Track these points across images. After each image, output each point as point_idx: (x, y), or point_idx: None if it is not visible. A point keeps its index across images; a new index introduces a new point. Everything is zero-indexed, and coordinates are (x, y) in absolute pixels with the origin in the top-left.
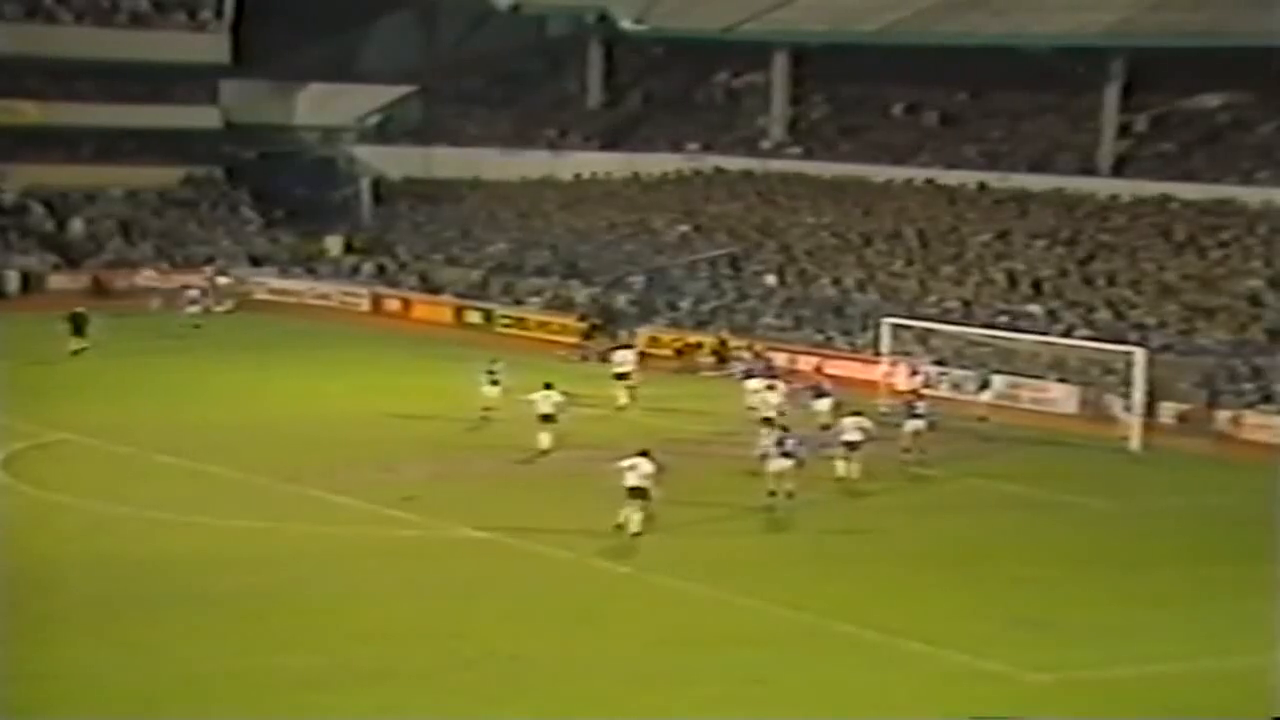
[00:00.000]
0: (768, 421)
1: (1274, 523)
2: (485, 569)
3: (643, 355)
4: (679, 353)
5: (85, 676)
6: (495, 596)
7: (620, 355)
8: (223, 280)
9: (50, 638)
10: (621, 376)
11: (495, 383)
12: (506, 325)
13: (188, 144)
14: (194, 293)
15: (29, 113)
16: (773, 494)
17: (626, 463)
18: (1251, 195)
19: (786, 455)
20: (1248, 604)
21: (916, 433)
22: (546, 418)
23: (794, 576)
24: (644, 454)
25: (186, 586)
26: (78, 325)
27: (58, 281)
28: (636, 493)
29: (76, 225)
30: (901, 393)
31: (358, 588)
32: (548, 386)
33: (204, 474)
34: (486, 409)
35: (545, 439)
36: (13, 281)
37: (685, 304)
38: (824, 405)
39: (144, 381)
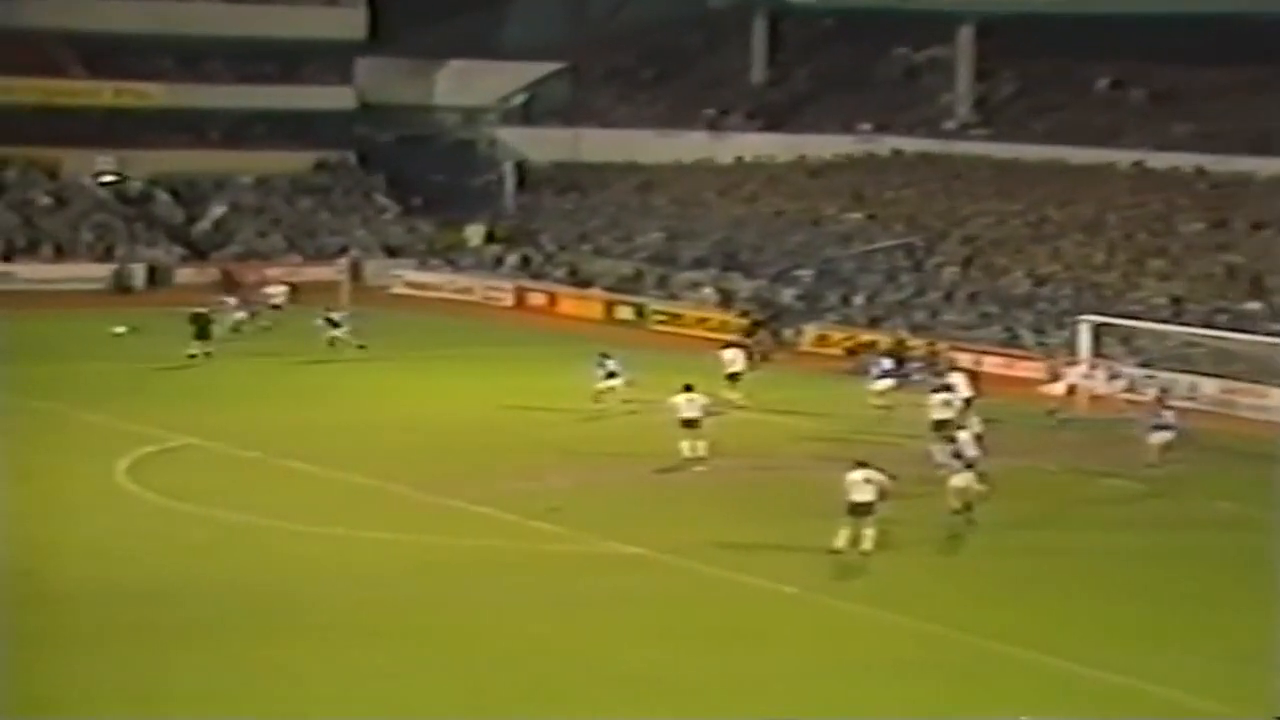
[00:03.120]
0: (941, 426)
1: None
2: (635, 586)
3: (749, 351)
4: (850, 352)
5: (196, 699)
6: (646, 615)
7: (729, 354)
8: (272, 291)
9: (165, 656)
10: (733, 377)
11: (611, 375)
12: (661, 322)
13: (320, 127)
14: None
15: (154, 95)
16: (957, 511)
17: (857, 475)
18: None
19: (969, 467)
20: None
21: (1166, 445)
22: (689, 423)
23: (970, 599)
24: (862, 465)
25: (314, 602)
26: (201, 328)
27: (185, 275)
28: (859, 509)
29: (216, 211)
30: (1099, 398)
31: (499, 605)
32: (688, 388)
33: (335, 481)
34: (600, 400)
35: (688, 446)
36: (138, 275)
37: (858, 299)
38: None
39: (271, 382)
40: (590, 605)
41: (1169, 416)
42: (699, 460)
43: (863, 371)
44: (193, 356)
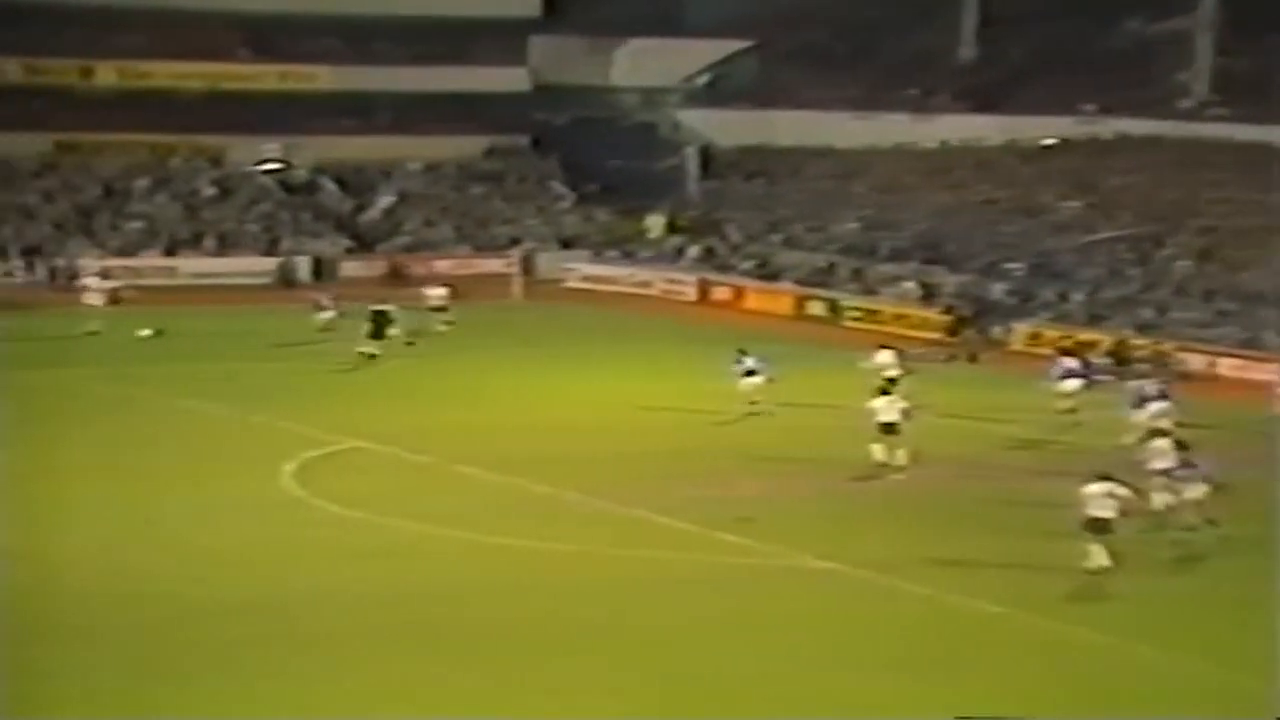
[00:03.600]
0: (1157, 435)
1: None
2: (828, 604)
3: (901, 354)
4: (1066, 353)
5: (364, 712)
6: (840, 637)
7: (881, 356)
8: (432, 294)
9: (333, 669)
10: (888, 382)
11: (750, 374)
12: (856, 318)
13: (492, 110)
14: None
15: (321, 78)
16: (1192, 528)
17: (1097, 488)
18: None
19: (1206, 480)
20: None
21: None
22: (887, 427)
23: (1211, 623)
24: (1106, 478)
25: (486, 616)
26: (378, 326)
27: (351, 268)
28: (1097, 525)
29: (384, 200)
30: None
31: (682, 624)
32: (885, 392)
33: (508, 487)
34: (753, 403)
35: (882, 451)
36: (303, 268)
37: (1078, 295)
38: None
39: (441, 381)
40: (780, 625)
41: None
42: (897, 468)
43: (1045, 374)
44: (372, 356)
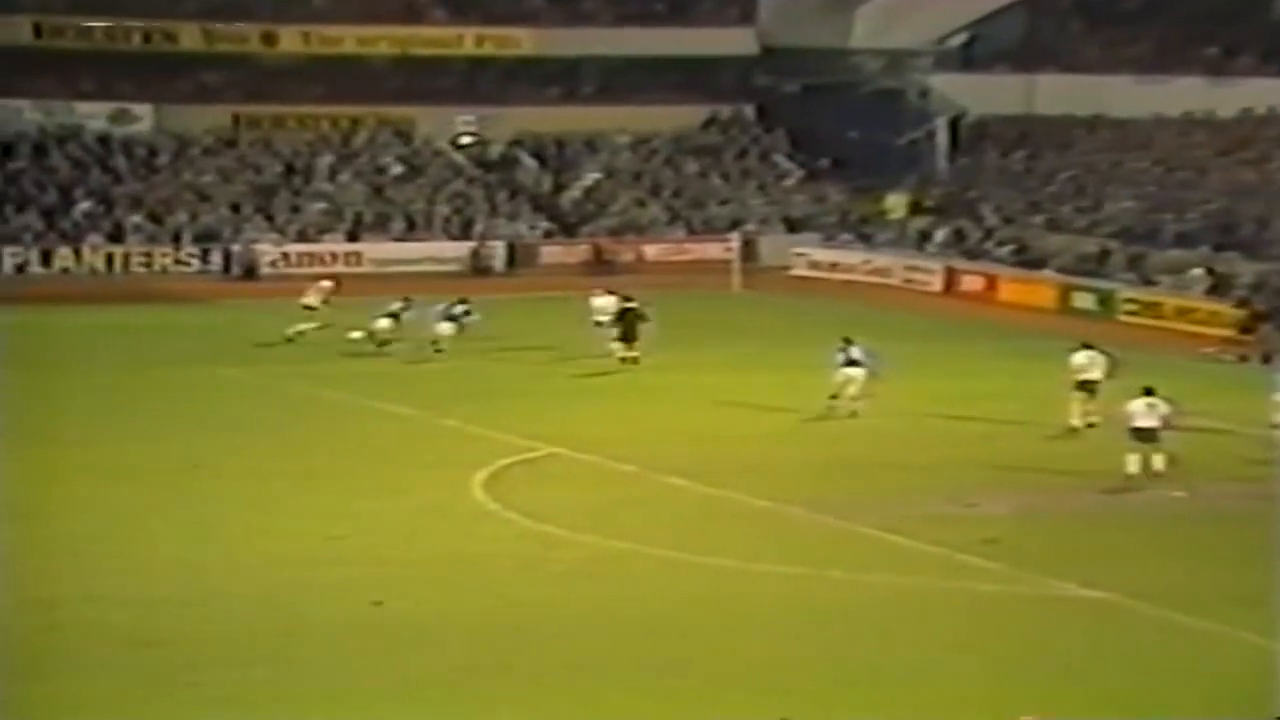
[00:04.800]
0: None
1: None
2: (1099, 640)
3: (1109, 355)
4: None
5: None
6: (1114, 677)
7: (1081, 357)
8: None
9: (518, 699)
10: (1086, 386)
11: (853, 363)
12: (1131, 312)
13: (713, 76)
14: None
15: (521, 42)
16: None
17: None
18: None
19: None
20: None
21: None
22: (1143, 433)
23: None
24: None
25: (690, 647)
26: (628, 326)
27: (551, 254)
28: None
29: (588, 178)
30: None
31: (921, 658)
32: (1148, 392)
33: (722, 501)
34: (834, 397)
35: (1136, 461)
36: (498, 254)
37: None
38: None
39: (652, 381)
40: (1042, 662)
41: None
42: (1163, 481)
43: None
44: (624, 360)
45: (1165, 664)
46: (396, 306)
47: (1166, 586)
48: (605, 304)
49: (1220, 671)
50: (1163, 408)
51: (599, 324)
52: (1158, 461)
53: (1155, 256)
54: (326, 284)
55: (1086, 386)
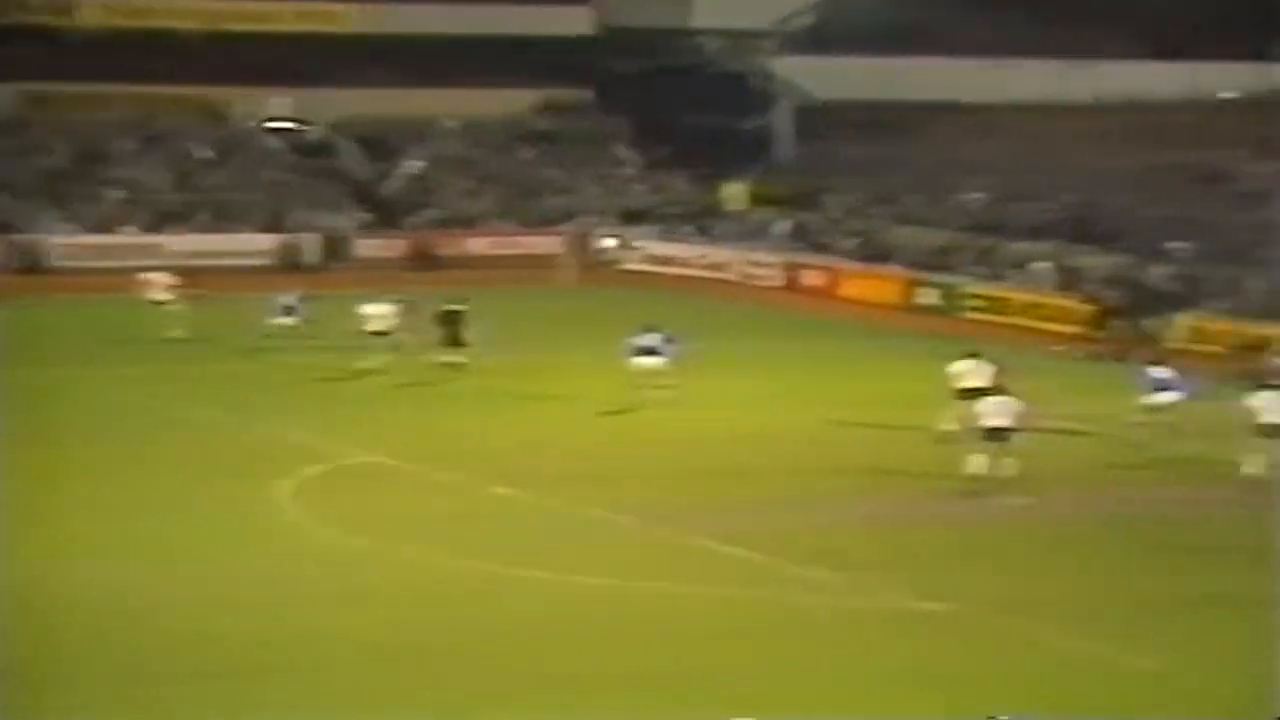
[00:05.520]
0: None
1: None
2: (941, 654)
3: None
4: (1239, 352)
5: None
6: (957, 693)
7: (963, 365)
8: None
9: None
10: (970, 394)
11: (649, 352)
12: (978, 309)
13: (548, 57)
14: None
15: (343, 17)
16: None
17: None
18: None
19: None
20: None
21: None
22: (993, 433)
23: None
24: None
25: (489, 664)
26: (453, 329)
27: (369, 247)
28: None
29: (412, 165)
30: None
31: (758, 677)
32: (973, 355)
33: (554, 511)
34: (639, 389)
35: (981, 462)
36: (312, 248)
37: (1257, 283)
38: None
39: (479, 385)
40: (876, 678)
41: None
42: (1009, 487)
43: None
44: (447, 365)
45: (1003, 673)
46: (293, 300)
47: (1006, 596)
48: (379, 311)
49: (1061, 679)
50: (1012, 403)
51: (374, 334)
52: (1007, 465)
53: (1004, 249)
54: (165, 277)
55: (968, 394)
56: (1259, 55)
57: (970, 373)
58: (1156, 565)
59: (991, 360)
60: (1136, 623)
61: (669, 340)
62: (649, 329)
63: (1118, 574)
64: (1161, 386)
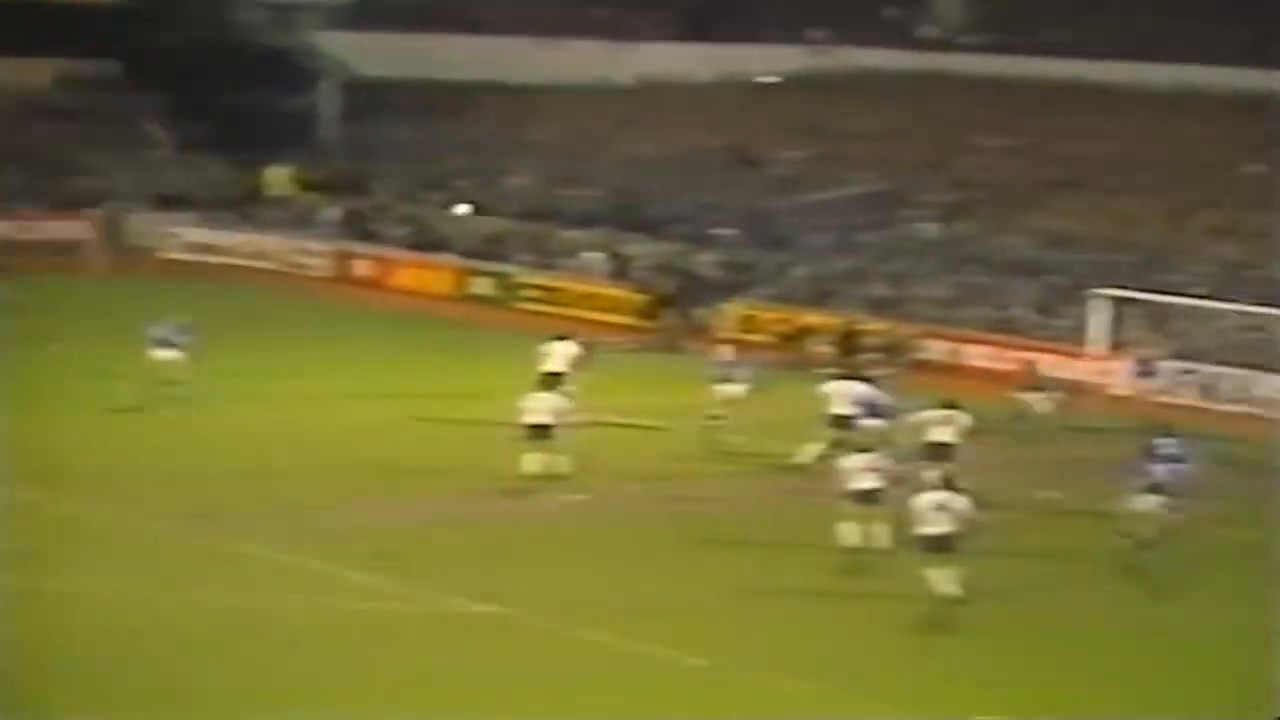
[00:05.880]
0: (940, 452)
1: None
2: (493, 657)
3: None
4: (788, 339)
5: None
6: (506, 694)
7: (554, 348)
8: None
9: None
10: (553, 378)
11: (166, 344)
12: (533, 299)
13: (71, 27)
14: None
15: None
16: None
17: (931, 499)
18: None
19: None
20: None
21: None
22: (539, 429)
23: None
24: (947, 485)
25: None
26: None
27: None
28: (937, 543)
29: None
30: (1121, 399)
31: (286, 681)
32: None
33: (73, 518)
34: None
35: (535, 462)
36: None
37: (801, 269)
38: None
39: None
40: (426, 681)
41: (1171, 447)
42: (567, 485)
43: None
44: None
45: (557, 677)
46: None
47: (562, 599)
48: None
49: (612, 683)
50: (558, 401)
51: None
52: (560, 463)
53: (556, 237)
54: None
55: (554, 379)
56: (794, 37)
57: (554, 356)
58: (711, 561)
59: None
60: (689, 620)
61: (183, 331)
62: (165, 320)
63: (669, 571)
64: (727, 378)
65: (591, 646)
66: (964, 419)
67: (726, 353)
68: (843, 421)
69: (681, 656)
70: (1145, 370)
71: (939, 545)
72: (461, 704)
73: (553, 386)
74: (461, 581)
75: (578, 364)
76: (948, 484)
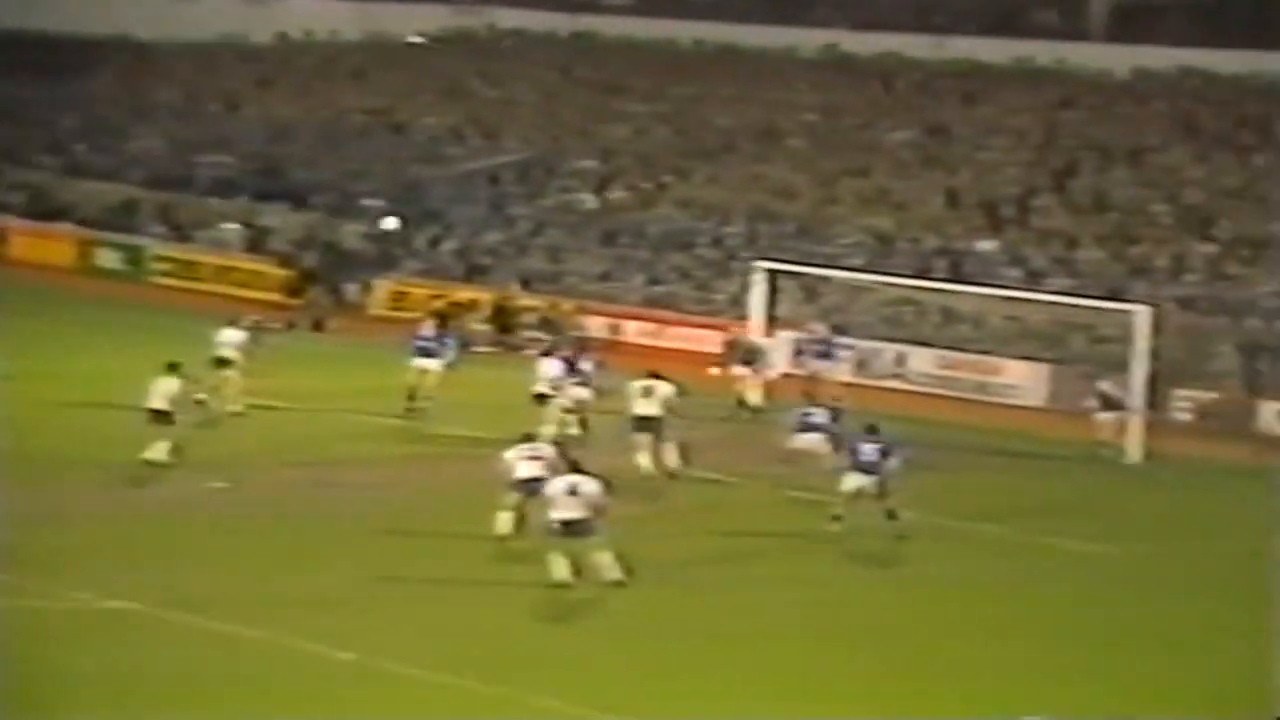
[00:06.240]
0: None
1: None
2: (123, 653)
3: (259, 329)
4: (440, 317)
5: None
6: (143, 694)
7: (227, 335)
8: None
9: None
10: (224, 363)
11: None
12: (166, 273)
13: None
14: None
15: None
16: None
17: (564, 485)
18: None
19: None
20: None
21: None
22: (159, 414)
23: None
24: (578, 471)
25: None
26: None
27: None
28: (571, 528)
29: None
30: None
31: None
32: (173, 368)
33: None
34: None
35: (161, 448)
36: None
37: (451, 242)
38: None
39: None
40: (59, 679)
41: (820, 416)
42: (206, 471)
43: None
44: None
45: (190, 674)
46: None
47: (195, 593)
48: None
49: (252, 679)
50: (178, 386)
51: None
52: (160, 449)
53: (190, 206)
54: None
55: (224, 364)
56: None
57: (226, 344)
58: (365, 551)
59: (186, 331)
60: (335, 612)
61: None
62: None
63: (320, 561)
64: (426, 353)
65: (221, 639)
66: (666, 389)
67: (426, 328)
68: (541, 399)
69: (325, 649)
70: (809, 349)
71: (571, 530)
72: (97, 702)
73: (174, 370)
74: (86, 575)
75: (246, 348)
76: (576, 469)
